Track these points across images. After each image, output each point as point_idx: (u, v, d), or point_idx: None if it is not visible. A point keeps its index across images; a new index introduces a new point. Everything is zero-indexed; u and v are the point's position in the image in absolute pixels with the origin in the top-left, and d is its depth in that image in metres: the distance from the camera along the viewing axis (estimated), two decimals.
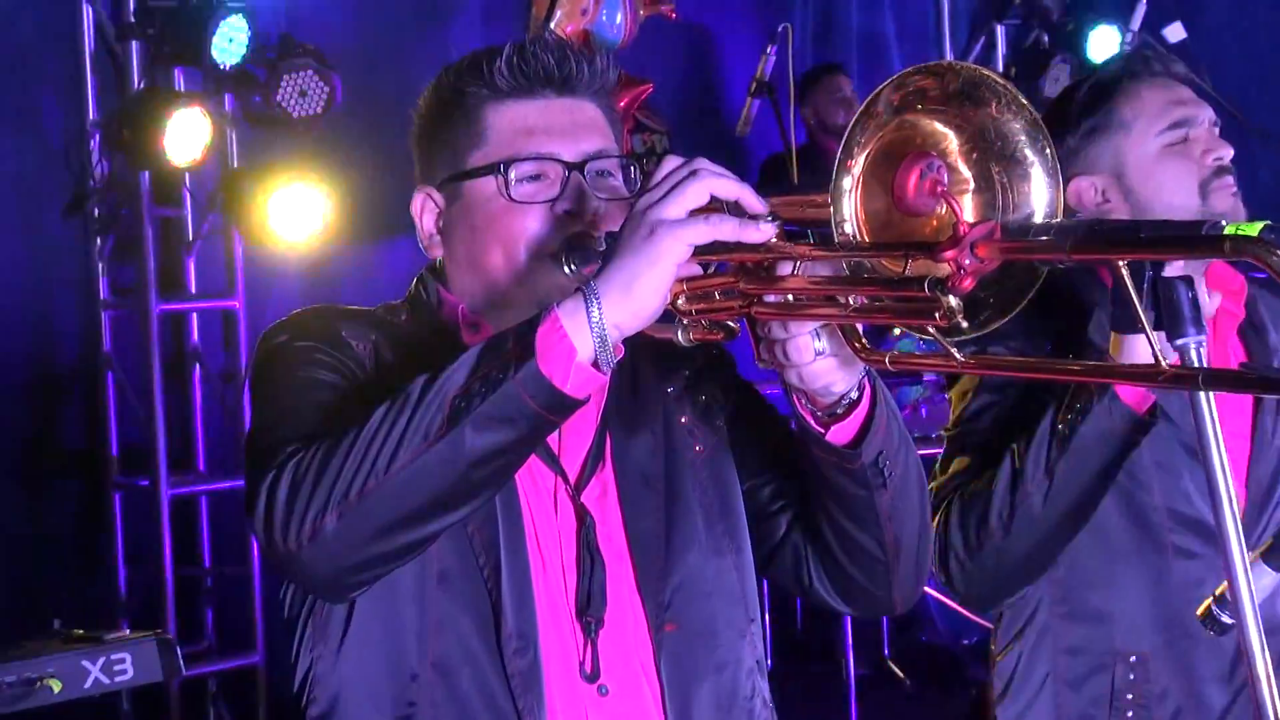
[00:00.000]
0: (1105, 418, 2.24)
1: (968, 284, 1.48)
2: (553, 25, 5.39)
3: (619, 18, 5.58)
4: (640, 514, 1.96)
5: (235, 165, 5.36)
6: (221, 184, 5.31)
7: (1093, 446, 2.26)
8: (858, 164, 1.57)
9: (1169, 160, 2.42)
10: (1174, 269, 2.04)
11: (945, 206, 1.55)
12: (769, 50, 5.54)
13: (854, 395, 1.81)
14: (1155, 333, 1.51)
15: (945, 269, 1.50)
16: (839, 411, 1.82)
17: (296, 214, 5.16)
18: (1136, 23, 6.71)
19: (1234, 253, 1.36)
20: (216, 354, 5.50)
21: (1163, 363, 1.48)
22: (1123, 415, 2.24)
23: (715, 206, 1.72)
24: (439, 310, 2.02)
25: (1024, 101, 1.57)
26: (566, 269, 1.90)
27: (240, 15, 5.03)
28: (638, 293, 1.68)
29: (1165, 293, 2.03)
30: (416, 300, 2.04)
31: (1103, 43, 6.68)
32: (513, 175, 1.94)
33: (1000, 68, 6.93)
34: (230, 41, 5.04)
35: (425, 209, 2.03)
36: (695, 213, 1.70)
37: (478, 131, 1.98)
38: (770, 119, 5.51)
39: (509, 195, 1.94)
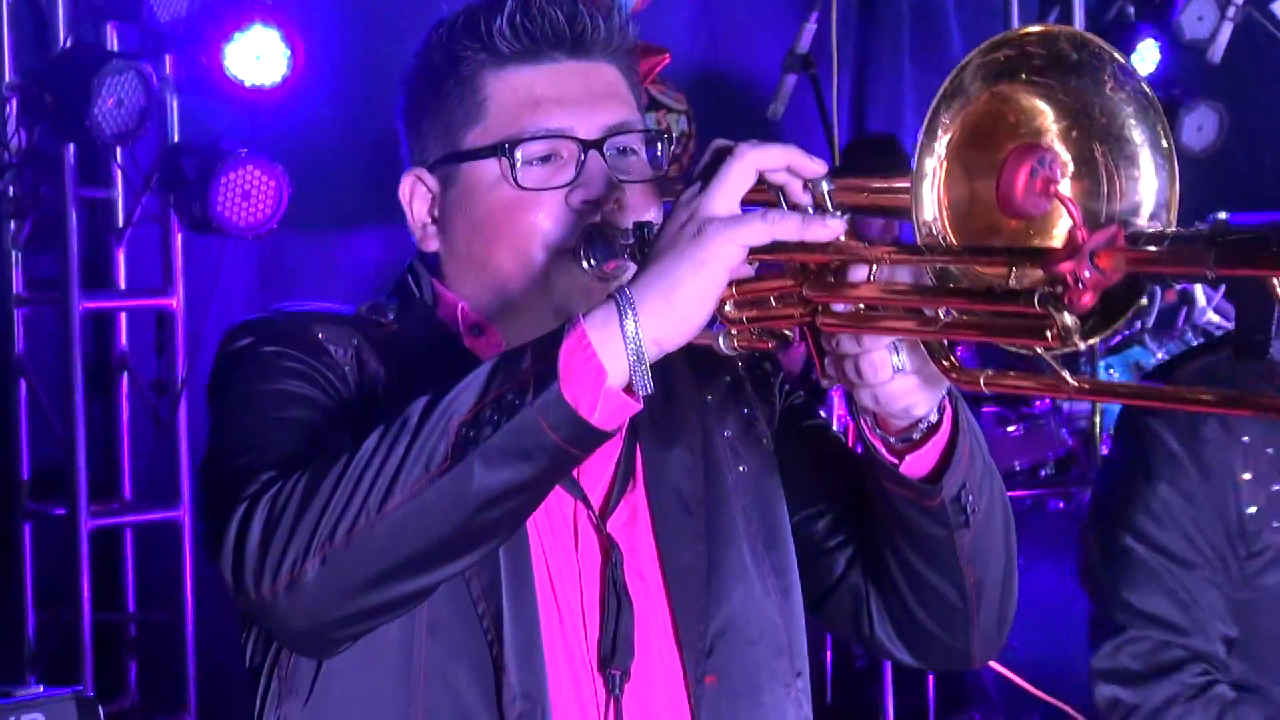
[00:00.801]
0: None
1: (1087, 300, 1.48)
2: None
3: None
4: (679, 544, 1.96)
5: (176, 139, 5.37)
6: (160, 161, 5.32)
7: None
8: (941, 146, 1.58)
9: None
10: None
11: (1056, 207, 1.55)
12: (809, 19, 5.56)
13: (933, 418, 1.81)
14: None
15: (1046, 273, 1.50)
16: (915, 437, 1.82)
17: (247, 198, 5.16)
18: None
19: None
20: (149, 361, 5.49)
21: None
22: None
23: (772, 198, 1.74)
24: (435, 310, 2.02)
25: (1134, 71, 1.59)
26: (585, 265, 1.90)
27: None
28: (681, 302, 1.68)
29: None
30: (407, 298, 2.04)
31: (1199, 16, 6.69)
32: (519, 157, 1.94)
33: None
34: None
35: (416, 194, 2.03)
36: (749, 201, 1.70)
37: (476, 103, 1.98)
38: (809, 98, 5.52)
39: (515, 181, 1.94)
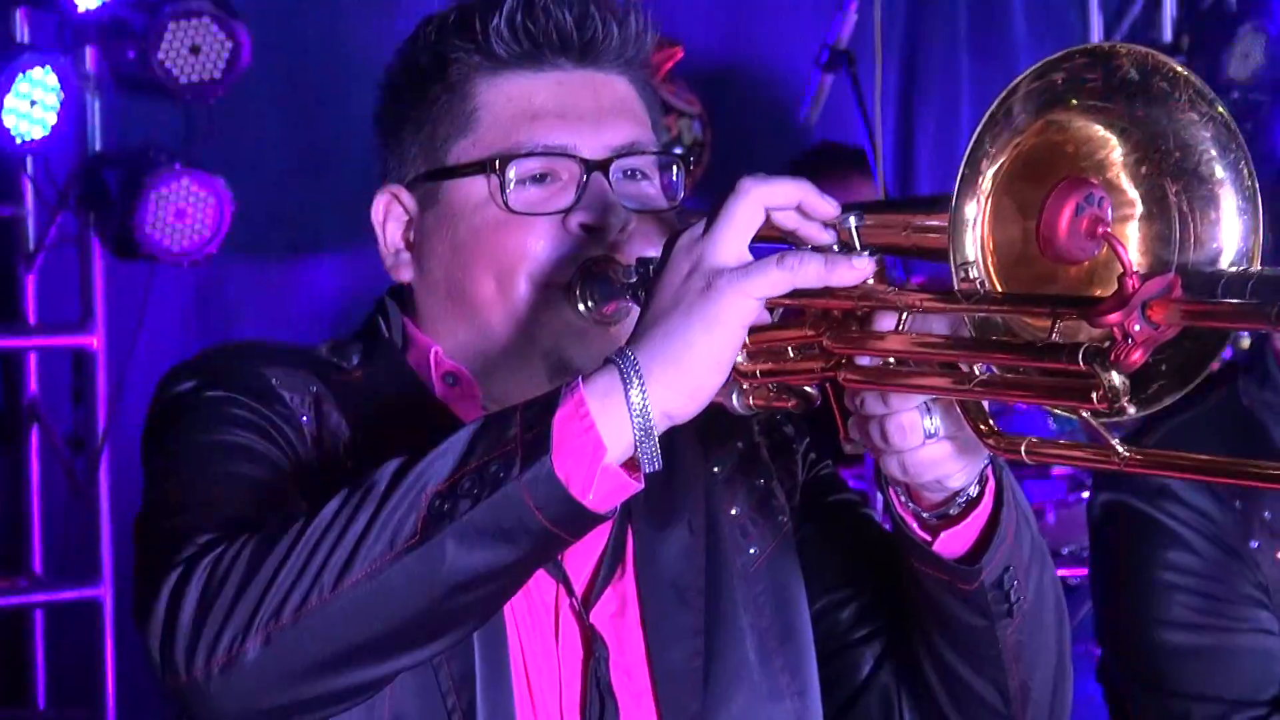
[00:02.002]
0: None
1: (1137, 357, 1.52)
2: None
3: None
4: (670, 640, 2.01)
5: (98, 148, 5.39)
6: (79, 173, 5.34)
7: None
8: (986, 181, 1.62)
9: None
10: None
11: (1107, 251, 1.60)
12: (847, 7, 5.59)
13: (973, 491, 1.86)
14: None
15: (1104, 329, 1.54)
16: (952, 513, 1.87)
17: (181, 217, 5.18)
18: None
19: None
20: (64, 410, 5.50)
21: None
22: None
23: (782, 236, 1.78)
24: (405, 354, 2.08)
25: (1214, 99, 1.63)
26: (581, 307, 1.96)
27: None
28: (693, 368, 1.72)
29: None
30: (374, 337, 2.09)
31: None
32: (511, 175, 2.00)
33: (1168, 37, 6.98)
34: None
35: (391, 215, 2.09)
36: (758, 242, 1.74)
37: (465, 113, 2.03)
38: (847, 100, 5.54)
39: (505, 203, 2.00)
